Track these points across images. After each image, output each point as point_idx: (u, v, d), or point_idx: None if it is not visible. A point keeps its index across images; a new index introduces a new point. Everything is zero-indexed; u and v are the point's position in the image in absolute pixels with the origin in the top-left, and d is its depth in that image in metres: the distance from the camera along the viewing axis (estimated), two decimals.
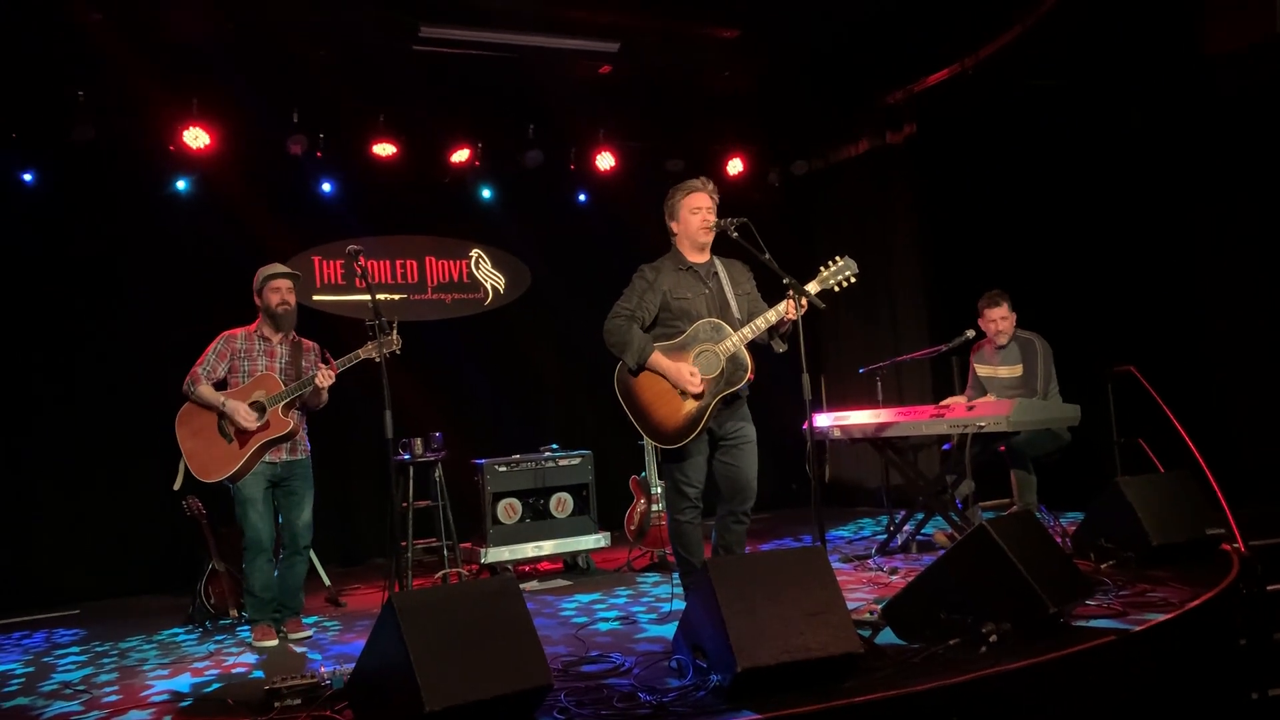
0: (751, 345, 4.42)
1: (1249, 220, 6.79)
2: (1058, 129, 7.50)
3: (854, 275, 4.50)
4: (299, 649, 4.80)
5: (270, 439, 4.92)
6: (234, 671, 4.39)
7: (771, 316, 4.36)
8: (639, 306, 4.46)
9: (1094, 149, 7.34)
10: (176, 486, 5.18)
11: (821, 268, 4.49)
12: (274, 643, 4.90)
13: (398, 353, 4.81)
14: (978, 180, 7.91)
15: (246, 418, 4.87)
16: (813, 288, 4.39)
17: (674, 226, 4.59)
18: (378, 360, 4.62)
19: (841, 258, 4.49)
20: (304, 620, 5.22)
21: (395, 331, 4.79)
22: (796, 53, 7.47)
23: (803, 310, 4.27)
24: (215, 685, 4.16)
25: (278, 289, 5.07)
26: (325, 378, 4.93)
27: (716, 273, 4.57)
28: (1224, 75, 6.51)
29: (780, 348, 4.49)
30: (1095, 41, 6.87)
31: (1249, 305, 6.76)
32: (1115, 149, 7.24)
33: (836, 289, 4.48)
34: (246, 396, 4.93)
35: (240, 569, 5.76)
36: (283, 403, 4.93)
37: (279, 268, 5.16)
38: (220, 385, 5.03)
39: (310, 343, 5.23)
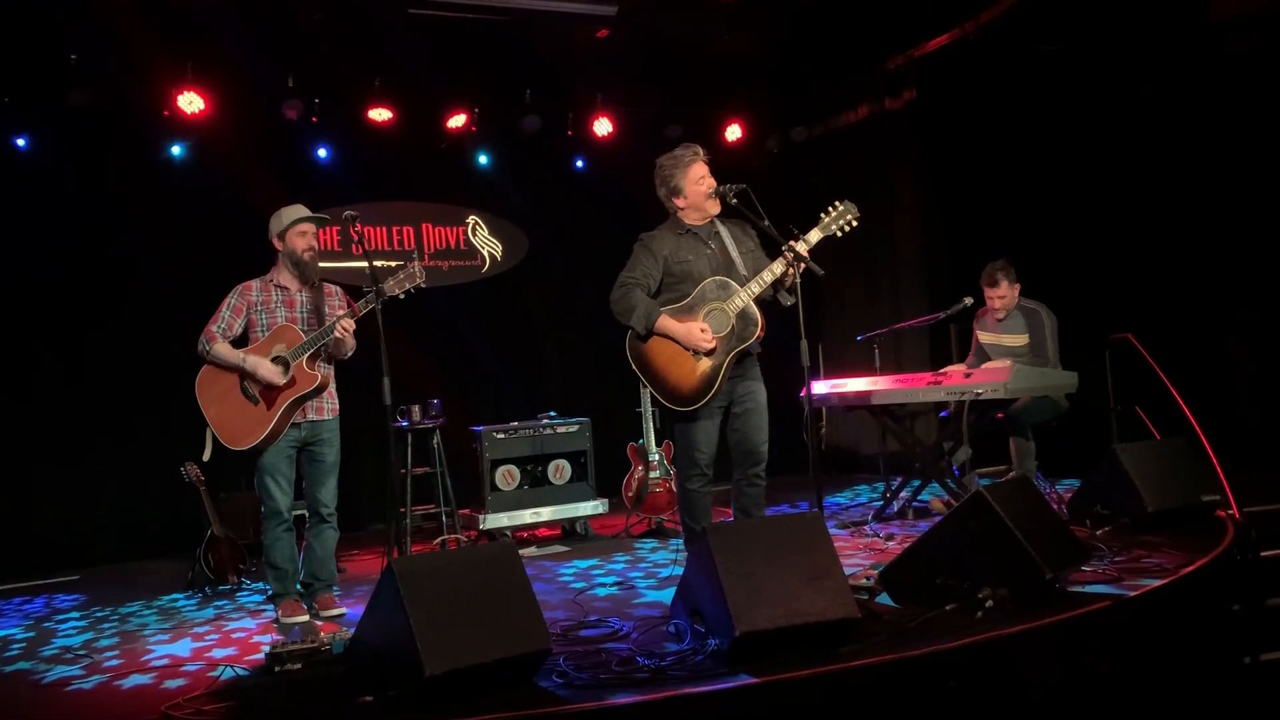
0: (760, 302, 4.40)
1: (1258, 190, 6.76)
2: (1061, 94, 7.44)
3: (855, 219, 4.49)
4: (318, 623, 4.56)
5: (299, 395, 4.53)
6: (234, 637, 4.41)
7: (777, 269, 4.33)
8: (643, 274, 4.43)
9: (1098, 115, 7.29)
10: (206, 457, 4.67)
11: (822, 214, 4.48)
12: (304, 618, 4.55)
13: (422, 286, 4.48)
14: (980, 147, 7.86)
15: (271, 373, 4.48)
16: (815, 235, 4.39)
17: (678, 202, 4.51)
18: (400, 296, 4.39)
19: (841, 202, 4.50)
20: (335, 592, 4.82)
21: (418, 263, 4.48)
22: (796, 17, 7.40)
23: (800, 269, 4.26)
24: (216, 651, 4.18)
25: (304, 233, 4.65)
26: (345, 327, 4.51)
27: (717, 232, 4.54)
28: (1231, 41, 6.45)
29: (788, 300, 4.42)
30: (1100, 5, 6.80)
31: (1258, 271, 6.74)
32: (1119, 115, 7.19)
33: (839, 234, 4.47)
34: (266, 352, 4.53)
35: (238, 535, 5.80)
36: (306, 354, 4.51)
37: (304, 210, 4.70)
38: (239, 342, 4.63)
39: (332, 286, 4.84)
